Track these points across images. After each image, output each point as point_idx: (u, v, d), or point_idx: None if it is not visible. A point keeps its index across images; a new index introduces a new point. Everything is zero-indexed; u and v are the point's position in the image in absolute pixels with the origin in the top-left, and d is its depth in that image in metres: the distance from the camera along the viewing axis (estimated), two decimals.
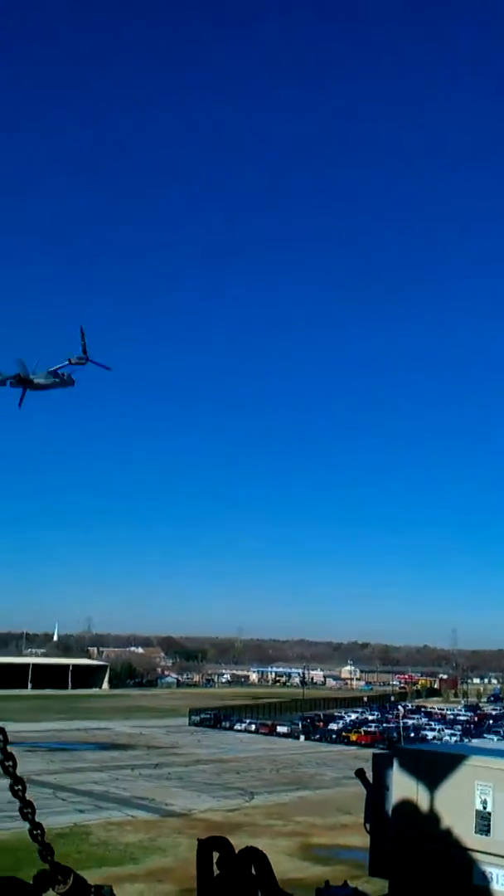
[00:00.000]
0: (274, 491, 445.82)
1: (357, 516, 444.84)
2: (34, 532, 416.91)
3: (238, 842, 28.49)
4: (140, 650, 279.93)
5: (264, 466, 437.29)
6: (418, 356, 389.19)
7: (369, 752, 64.24)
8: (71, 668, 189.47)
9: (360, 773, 12.83)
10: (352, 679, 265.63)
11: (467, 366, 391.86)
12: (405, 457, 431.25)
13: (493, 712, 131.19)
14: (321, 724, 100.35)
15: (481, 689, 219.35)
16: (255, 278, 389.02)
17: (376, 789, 12.18)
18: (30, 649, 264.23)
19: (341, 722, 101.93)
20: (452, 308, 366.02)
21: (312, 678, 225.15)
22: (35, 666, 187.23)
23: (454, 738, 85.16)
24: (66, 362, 35.28)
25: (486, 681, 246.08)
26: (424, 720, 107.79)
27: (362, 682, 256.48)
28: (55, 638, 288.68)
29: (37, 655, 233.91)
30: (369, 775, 12.60)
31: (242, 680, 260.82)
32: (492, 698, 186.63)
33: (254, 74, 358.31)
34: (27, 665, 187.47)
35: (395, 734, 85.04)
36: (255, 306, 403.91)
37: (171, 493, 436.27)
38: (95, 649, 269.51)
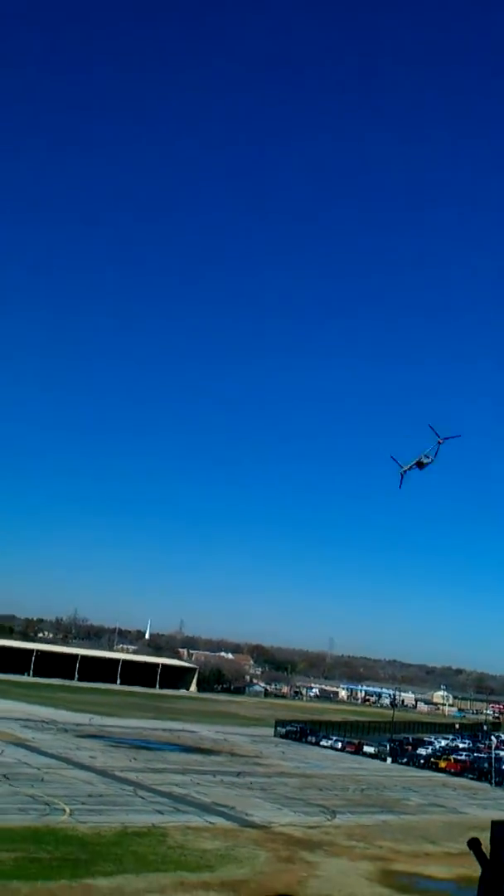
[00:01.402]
0: (373, 514, 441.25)
1: (455, 539, 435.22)
2: (134, 532, 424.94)
3: (316, 859, 27.91)
4: (230, 656, 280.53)
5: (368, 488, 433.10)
6: None
7: (458, 780, 63.44)
8: (160, 667, 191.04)
9: (473, 845, 10.87)
10: (444, 704, 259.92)
11: None
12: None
13: None
14: (410, 747, 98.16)
15: None
16: None
17: (493, 865, 10.44)
18: (121, 645, 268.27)
19: (430, 747, 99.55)
20: None
21: (403, 700, 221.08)
22: (125, 662, 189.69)
23: None
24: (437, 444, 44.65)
25: None
26: None
27: (454, 709, 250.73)
28: (147, 636, 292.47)
29: (128, 652, 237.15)
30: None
31: (331, 696, 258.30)
32: None
33: None
34: (118, 660, 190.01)
35: (485, 765, 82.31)
36: None
37: (275, 505, 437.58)
38: (185, 651, 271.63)
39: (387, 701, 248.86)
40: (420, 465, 44.30)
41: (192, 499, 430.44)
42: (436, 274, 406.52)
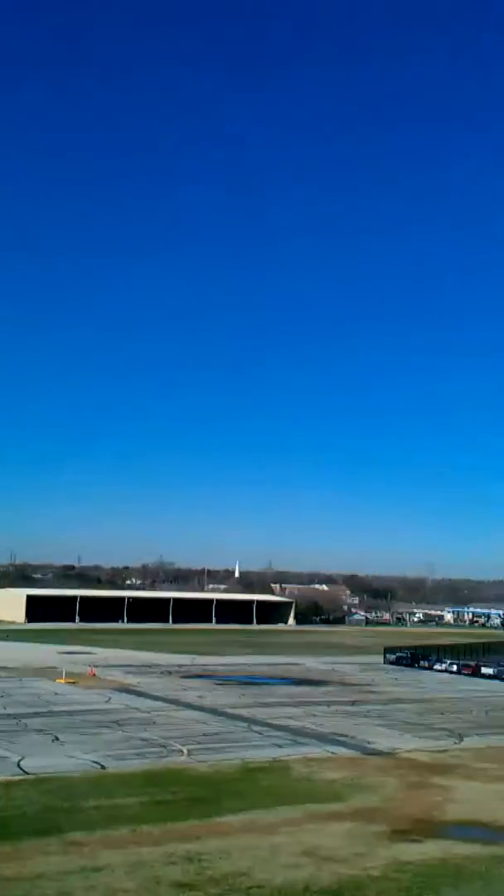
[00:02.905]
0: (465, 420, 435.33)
1: None
2: (214, 470, 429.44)
3: (449, 783, 27.59)
4: (324, 587, 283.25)
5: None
6: None
7: None
8: (255, 603, 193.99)
9: None
10: None
11: None
12: None
13: None
14: None
15: None
16: None
17: None
18: (211, 585, 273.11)
19: None
20: None
21: None
22: (219, 601, 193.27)
23: None
24: None
25: None
26: None
27: None
28: (236, 574, 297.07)
29: (219, 591, 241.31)
30: None
31: (436, 619, 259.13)
32: None
33: None
34: (211, 600, 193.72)
35: None
36: None
37: (351, 422, 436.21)
38: (278, 586, 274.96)
39: (496, 621, 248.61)
40: None
41: (265, 431, 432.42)
42: None
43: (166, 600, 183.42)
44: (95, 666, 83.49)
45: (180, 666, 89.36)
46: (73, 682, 71.04)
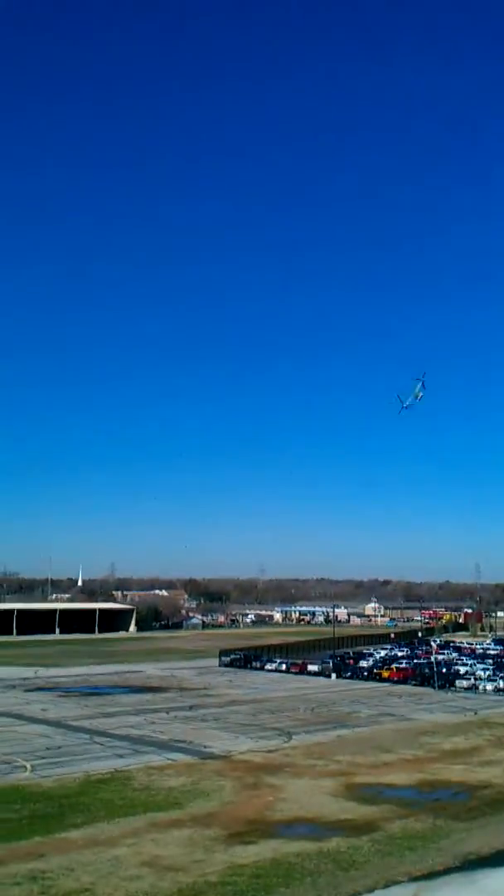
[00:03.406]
0: (289, 431, 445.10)
1: (369, 449, 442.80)
2: (55, 477, 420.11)
3: (280, 782, 28.05)
4: (164, 593, 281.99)
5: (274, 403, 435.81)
6: None
7: (402, 688, 64.90)
8: (98, 612, 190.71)
9: None
10: (376, 616, 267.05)
11: None
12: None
13: None
14: (351, 661, 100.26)
15: None
16: None
17: None
18: (55, 595, 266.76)
19: (371, 659, 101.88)
20: None
21: (336, 616, 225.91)
22: (62, 611, 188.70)
23: (487, 673, 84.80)
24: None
25: None
26: (455, 655, 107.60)
27: (386, 619, 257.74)
28: (80, 583, 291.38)
29: (62, 601, 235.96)
30: None
31: (267, 619, 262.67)
32: None
33: None
34: (54, 610, 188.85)
35: (426, 670, 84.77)
36: None
37: (190, 432, 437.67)
38: (120, 593, 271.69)
39: (321, 618, 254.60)
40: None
41: (109, 438, 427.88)
42: None
43: (10, 612, 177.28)
44: None
45: (24, 679, 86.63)
46: None
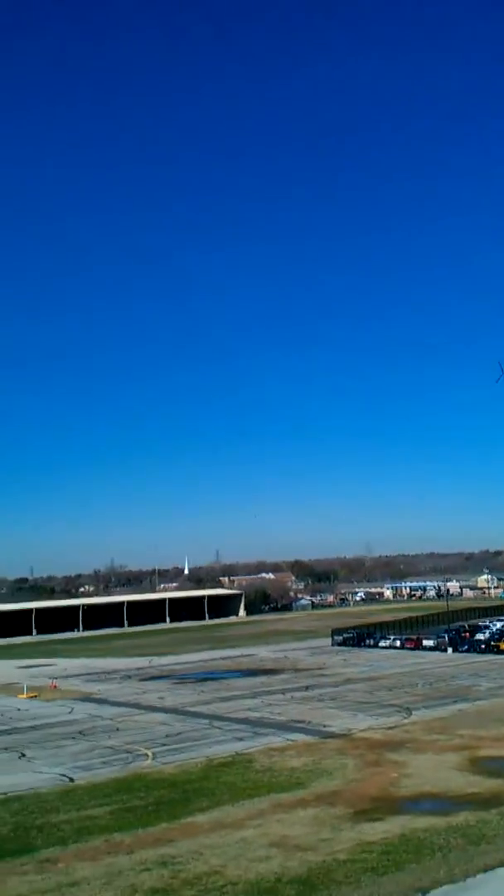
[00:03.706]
0: (389, 407, 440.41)
1: (477, 418, 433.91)
2: (159, 467, 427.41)
3: (402, 758, 27.80)
4: (271, 576, 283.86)
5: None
6: None
7: None
8: (206, 598, 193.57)
9: None
10: (489, 588, 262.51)
11: None
12: None
13: None
14: (467, 634, 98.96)
15: None
16: None
17: None
18: (162, 584, 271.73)
19: (488, 631, 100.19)
20: None
21: (448, 590, 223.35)
22: (171, 600, 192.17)
23: None
24: None
25: None
26: None
27: (500, 590, 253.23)
28: (186, 571, 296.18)
29: (170, 590, 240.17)
30: None
31: (377, 597, 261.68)
32: None
33: None
34: (163, 600, 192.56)
35: None
36: None
37: (295, 412, 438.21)
38: (227, 579, 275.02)
39: (432, 593, 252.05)
40: None
41: (199, 419, 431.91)
42: None
43: (120, 604, 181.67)
44: (56, 678, 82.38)
45: (139, 669, 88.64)
46: (35, 696, 69.95)
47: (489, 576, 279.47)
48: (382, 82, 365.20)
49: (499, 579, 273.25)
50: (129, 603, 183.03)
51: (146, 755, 43.56)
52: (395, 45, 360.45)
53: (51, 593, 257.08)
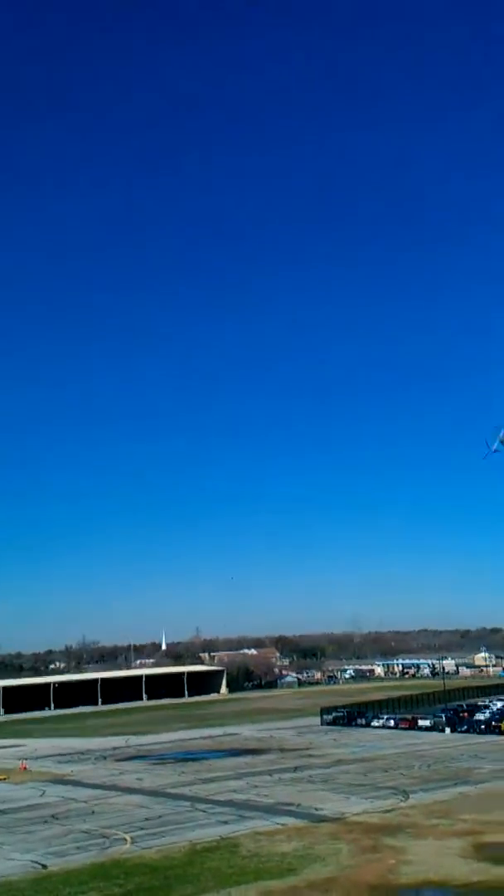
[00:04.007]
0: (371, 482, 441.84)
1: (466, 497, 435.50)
2: (136, 542, 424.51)
3: (401, 844, 27.36)
4: (253, 652, 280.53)
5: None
6: None
7: None
8: (186, 675, 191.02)
9: None
10: (487, 666, 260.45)
11: None
12: None
13: None
14: (466, 714, 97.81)
15: None
16: None
17: None
18: (139, 660, 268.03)
19: (488, 711, 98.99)
20: None
21: (444, 667, 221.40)
22: (149, 677, 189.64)
23: None
24: None
25: None
26: None
27: (499, 669, 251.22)
28: (163, 647, 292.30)
29: (147, 666, 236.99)
30: None
31: (367, 674, 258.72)
32: None
33: None
34: (140, 676, 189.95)
35: None
36: None
37: (269, 488, 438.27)
38: (206, 655, 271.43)
39: (426, 671, 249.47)
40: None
41: (181, 495, 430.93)
42: None
43: (94, 682, 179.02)
44: (26, 759, 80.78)
45: (115, 749, 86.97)
46: (4, 779, 68.38)
47: (487, 654, 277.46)
48: None
49: (497, 657, 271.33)
50: (104, 680, 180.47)
51: (124, 839, 42.51)
52: None
53: (19, 670, 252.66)
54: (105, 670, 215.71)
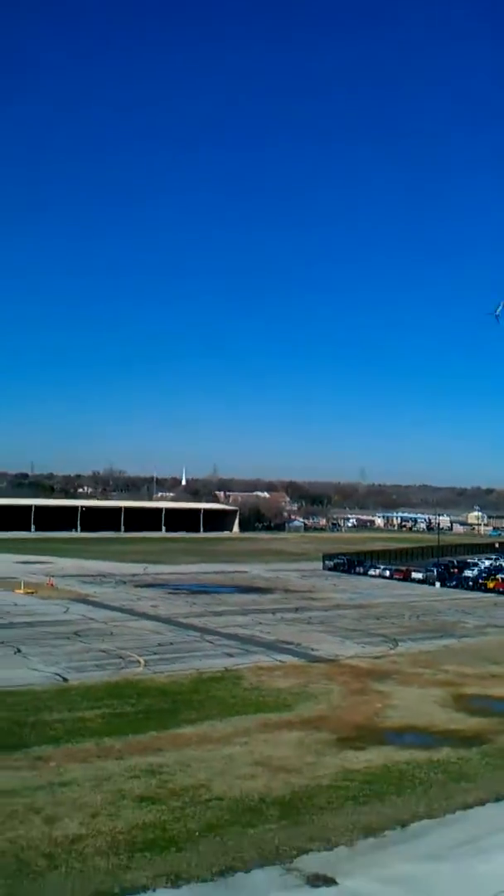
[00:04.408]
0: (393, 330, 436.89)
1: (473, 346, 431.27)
2: (160, 377, 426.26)
3: (389, 689, 27.69)
4: (266, 495, 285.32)
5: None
6: None
7: None
8: (202, 511, 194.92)
9: None
10: (479, 524, 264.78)
11: None
12: None
13: None
14: (456, 570, 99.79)
15: None
16: None
17: None
18: (160, 493, 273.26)
19: (476, 569, 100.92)
20: None
21: (439, 523, 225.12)
22: (168, 510, 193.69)
23: None
24: None
25: None
26: None
27: (490, 528, 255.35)
28: (183, 482, 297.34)
29: (166, 499, 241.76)
30: None
31: (368, 524, 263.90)
32: None
33: None
34: (161, 509, 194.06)
35: None
36: None
37: (294, 337, 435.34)
38: (222, 493, 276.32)
39: (422, 525, 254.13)
40: None
41: (206, 337, 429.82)
42: None
43: (118, 509, 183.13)
44: (53, 576, 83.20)
45: (134, 575, 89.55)
46: (32, 593, 70.67)
47: (480, 513, 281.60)
48: None
49: (489, 517, 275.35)
50: (127, 509, 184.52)
51: (138, 662, 44.07)
52: None
53: (50, 491, 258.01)
54: (129, 499, 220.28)
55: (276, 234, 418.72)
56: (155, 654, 46.58)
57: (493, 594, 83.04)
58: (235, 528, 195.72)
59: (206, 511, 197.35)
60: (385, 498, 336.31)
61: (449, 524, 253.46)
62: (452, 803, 25.26)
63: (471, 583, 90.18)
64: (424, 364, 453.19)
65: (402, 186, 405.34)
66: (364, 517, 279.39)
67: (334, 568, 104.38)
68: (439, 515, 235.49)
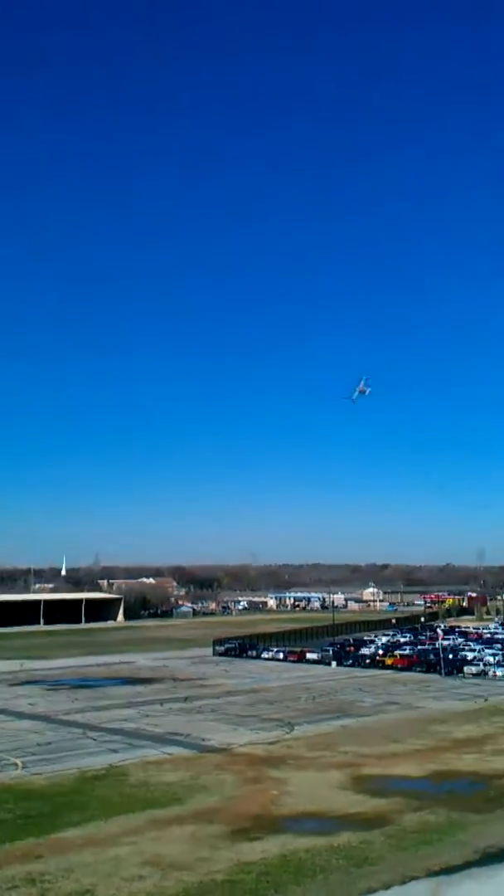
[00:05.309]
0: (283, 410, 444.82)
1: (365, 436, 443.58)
2: (38, 466, 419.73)
3: (285, 775, 27.81)
4: (151, 581, 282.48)
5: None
6: None
7: (407, 675, 64.74)
8: (84, 601, 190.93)
9: None
10: (375, 601, 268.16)
11: None
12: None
13: None
14: (352, 648, 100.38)
15: None
16: None
17: None
18: (38, 584, 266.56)
19: (373, 646, 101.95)
20: None
21: (333, 601, 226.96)
22: (47, 602, 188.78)
23: (497, 658, 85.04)
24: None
25: None
26: (461, 640, 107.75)
27: (386, 604, 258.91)
28: (63, 572, 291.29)
29: (46, 591, 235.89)
30: None
31: (260, 606, 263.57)
32: None
33: None
34: (39, 601, 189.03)
35: (432, 656, 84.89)
36: None
37: (175, 418, 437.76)
38: (105, 582, 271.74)
39: (317, 604, 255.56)
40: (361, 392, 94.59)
41: (86, 421, 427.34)
42: None
43: None
44: None
45: (9, 672, 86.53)
46: None
47: (375, 589, 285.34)
48: None
49: (385, 592, 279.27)
50: (1, 603, 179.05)
51: (15, 765, 42.49)
52: None
53: None
54: (3, 593, 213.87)
55: None
56: (34, 754, 45.00)
57: (390, 671, 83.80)
58: (120, 616, 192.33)
59: (88, 601, 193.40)
60: (277, 579, 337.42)
61: (344, 601, 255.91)
62: (355, 889, 25.23)
63: (368, 660, 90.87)
64: (305, 448, 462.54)
65: None
66: (256, 599, 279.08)
67: (225, 653, 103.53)
68: (333, 594, 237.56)
